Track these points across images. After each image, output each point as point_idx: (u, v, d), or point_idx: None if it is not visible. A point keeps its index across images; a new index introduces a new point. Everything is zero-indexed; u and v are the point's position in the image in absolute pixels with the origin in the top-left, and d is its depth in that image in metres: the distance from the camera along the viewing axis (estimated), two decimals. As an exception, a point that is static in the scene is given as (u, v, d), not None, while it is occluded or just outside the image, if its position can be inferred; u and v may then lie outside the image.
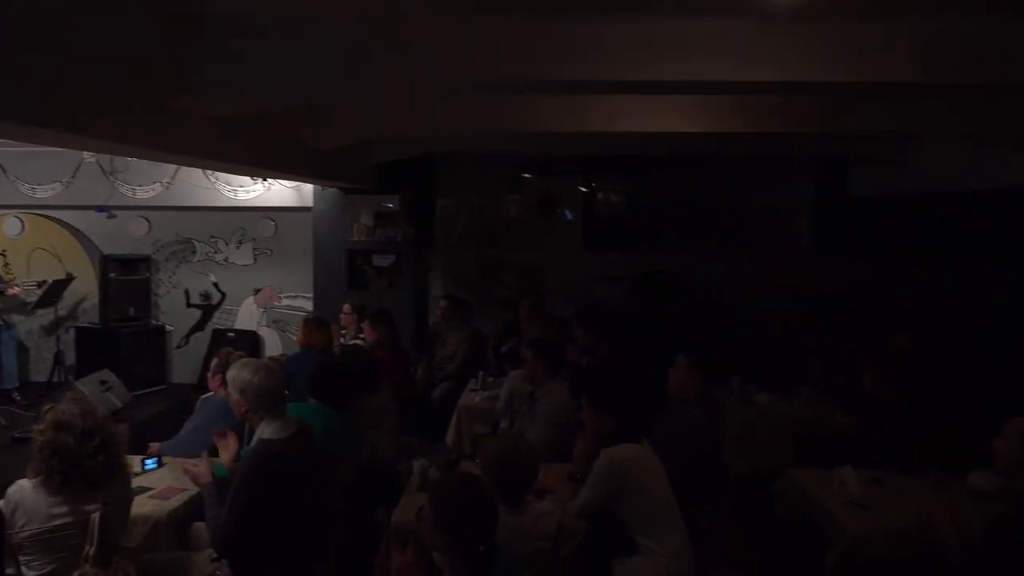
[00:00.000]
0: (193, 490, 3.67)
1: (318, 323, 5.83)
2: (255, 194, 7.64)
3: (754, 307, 7.17)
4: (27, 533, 2.79)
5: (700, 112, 5.13)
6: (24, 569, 2.79)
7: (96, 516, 2.84)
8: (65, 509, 2.84)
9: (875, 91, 4.24)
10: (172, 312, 8.23)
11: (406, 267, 8.00)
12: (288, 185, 7.62)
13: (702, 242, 8.26)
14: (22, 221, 8.00)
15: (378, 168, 7.59)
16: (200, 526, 3.54)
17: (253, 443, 3.20)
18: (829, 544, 3.39)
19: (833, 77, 3.41)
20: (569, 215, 8.67)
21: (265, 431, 3.17)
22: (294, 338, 6.14)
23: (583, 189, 8.64)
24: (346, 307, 6.88)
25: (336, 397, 4.08)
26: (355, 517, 4.17)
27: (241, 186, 7.59)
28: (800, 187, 8.27)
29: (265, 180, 7.46)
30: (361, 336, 6.55)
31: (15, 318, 7.75)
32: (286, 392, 3.34)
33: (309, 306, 7.98)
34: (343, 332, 6.88)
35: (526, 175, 8.59)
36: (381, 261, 7.99)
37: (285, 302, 8.25)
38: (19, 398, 6.68)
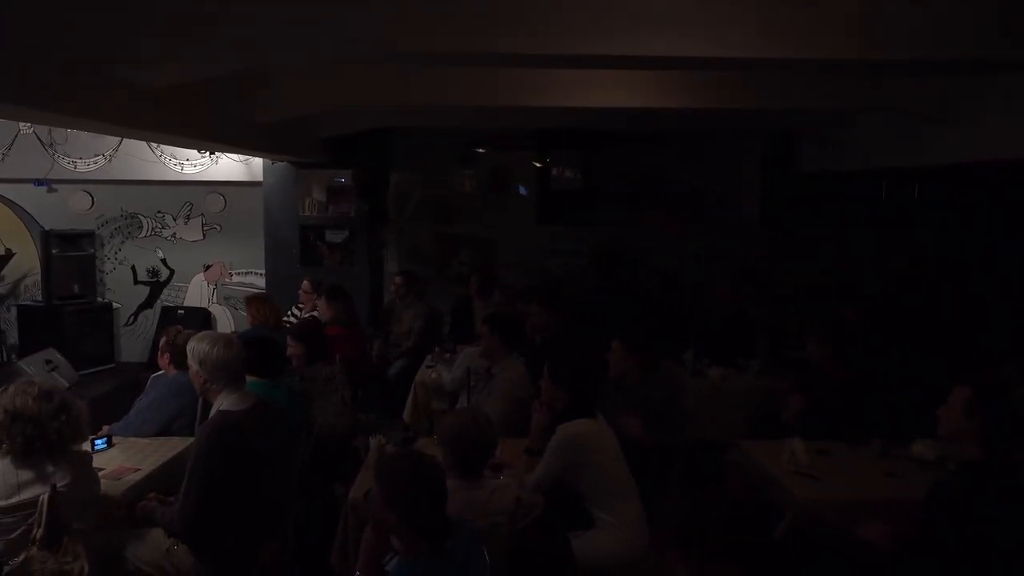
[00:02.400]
0: (146, 469, 3.62)
1: (263, 300, 5.85)
2: (202, 168, 7.48)
3: (706, 282, 7.27)
4: None
5: (652, 87, 5.17)
6: (-30, 553, 2.73)
7: (44, 497, 2.81)
8: (27, 485, 2.82)
9: (821, 67, 4.32)
10: (119, 289, 8.03)
11: (360, 243, 7.92)
12: (237, 159, 7.47)
13: (655, 217, 8.34)
14: (-44, 195, 7.69)
15: (329, 142, 7.47)
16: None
17: (212, 414, 3.19)
18: (779, 514, 3.49)
19: (779, 54, 3.46)
20: (523, 190, 8.66)
21: (223, 403, 3.18)
22: (245, 315, 6.05)
23: (536, 164, 8.63)
24: (305, 283, 6.78)
25: (267, 367, 4.03)
26: (312, 493, 4.16)
27: (187, 159, 7.41)
28: (749, 162, 8.39)
29: (212, 153, 7.29)
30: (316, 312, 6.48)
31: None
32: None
33: (261, 283, 7.86)
34: (300, 307, 6.79)
35: (479, 150, 8.54)
36: (334, 237, 7.90)
37: (236, 279, 8.11)
38: (-42, 379, 6.46)
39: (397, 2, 3.31)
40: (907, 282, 7.12)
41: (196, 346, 3.22)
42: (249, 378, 3.84)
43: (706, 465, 4.40)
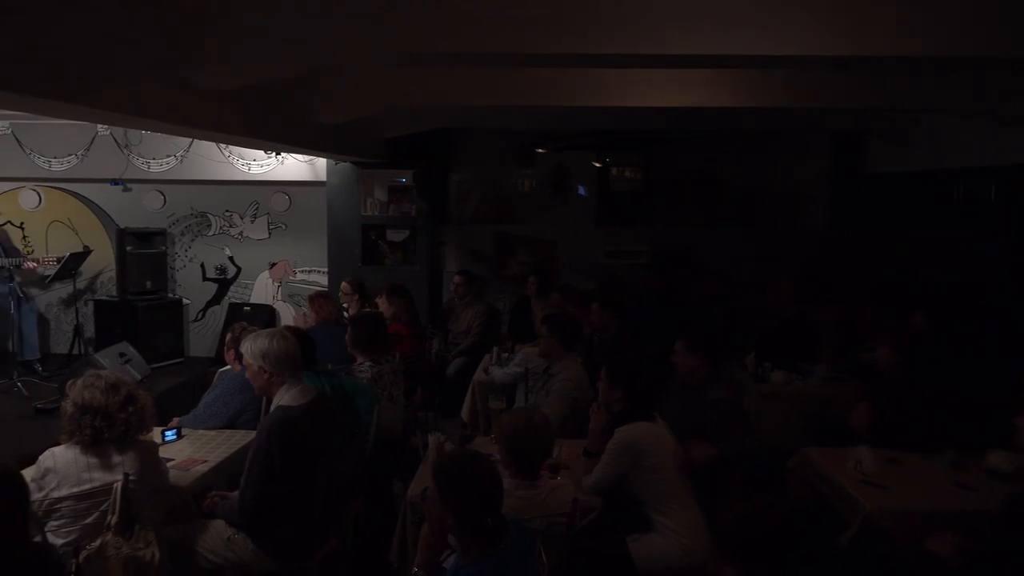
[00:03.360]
0: (213, 461, 3.73)
1: (325, 297, 5.97)
2: (269, 168, 7.66)
3: (768, 284, 7.13)
4: (59, 495, 2.87)
5: (713, 86, 5.09)
6: (50, 536, 2.85)
7: (118, 485, 2.92)
8: (96, 474, 2.93)
9: (888, 65, 4.18)
10: (189, 286, 8.28)
11: (420, 242, 8.01)
12: (302, 159, 7.63)
13: (716, 218, 8.22)
14: (39, 194, 8.04)
15: (391, 143, 7.58)
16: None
17: (272, 409, 3.27)
18: (842, 523, 3.40)
19: (843, 51, 3.36)
20: (582, 190, 8.62)
21: (283, 398, 3.25)
22: (306, 312, 6.19)
23: (596, 164, 8.58)
24: (344, 285, 6.85)
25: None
26: (371, 488, 4.22)
27: (255, 160, 7.60)
28: (815, 162, 8.20)
29: (278, 154, 7.46)
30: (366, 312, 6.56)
31: (34, 291, 7.83)
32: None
33: (324, 280, 8.02)
34: (346, 308, 6.89)
35: (540, 150, 8.54)
36: (395, 236, 8.00)
37: (300, 276, 8.28)
38: (40, 369, 6.76)
39: (458, 4, 3.34)
40: (981, 285, 6.85)
41: (254, 344, 3.28)
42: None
43: (768, 471, 4.31)
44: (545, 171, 8.57)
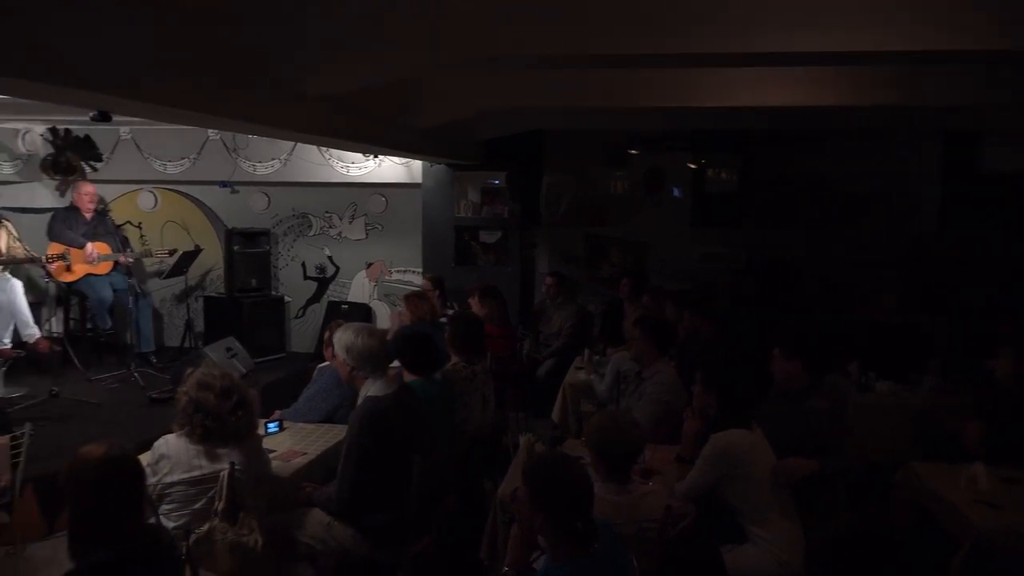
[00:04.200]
0: (312, 454, 3.87)
1: (420, 297, 6.05)
2: (367, 170, 7.87)
3: (873, 289, 6.84)
4: (171, 480, 3.04)
5: (814, 85, 4.91)
6: (163, 519, 3.01)
7: (225, 474, 3.06)
8: (204, 461, 3.08)
9: (1002, 59, 3.93)
10: (290, 284, 8.60)
11: (512, 243, 8.07)
12: (398, 161, 7.80)
13: (816, 220, 7.93)
14: (155, 195, 8.52)
15: (485, 145, 7.66)
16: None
17: (360, 401, 3.39)
18: (952, 543, 3.22)
19: (954, 45, 3.18)
20: (676, 192, 8.48)
21: (370, 389, 3.38)
22: (401, 310, 6.32)
23: (692, 165, 8.43)
24: (425, 282, 6.95)
25: (424, 365, 4.16)
26: (462, 487, 4.28)
27: (353, 162, 7.83)
28: (925, 162, 7.79)
29: (376, 157, 7.66)
30: (449, 311, 6.65)
31: (151, 286, 8.31)
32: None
33: (418, 280, 8.17)
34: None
35: (633, 151, 8.45)
36: (488, 237, 8.09)
37: (395, 276, 8.47)
38: (155, 361, 7.16)
39: (554, 6, 3.34)
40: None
41: (342, 336, 3.45)
42: (408, 377, 4.04)
43: (870, 485, 4.13)
44: (638, 172, 8.48)
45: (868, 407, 5.04)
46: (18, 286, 6.29)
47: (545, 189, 8.58)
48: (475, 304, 6.28)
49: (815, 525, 3.43)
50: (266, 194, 8.44)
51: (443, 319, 6.49)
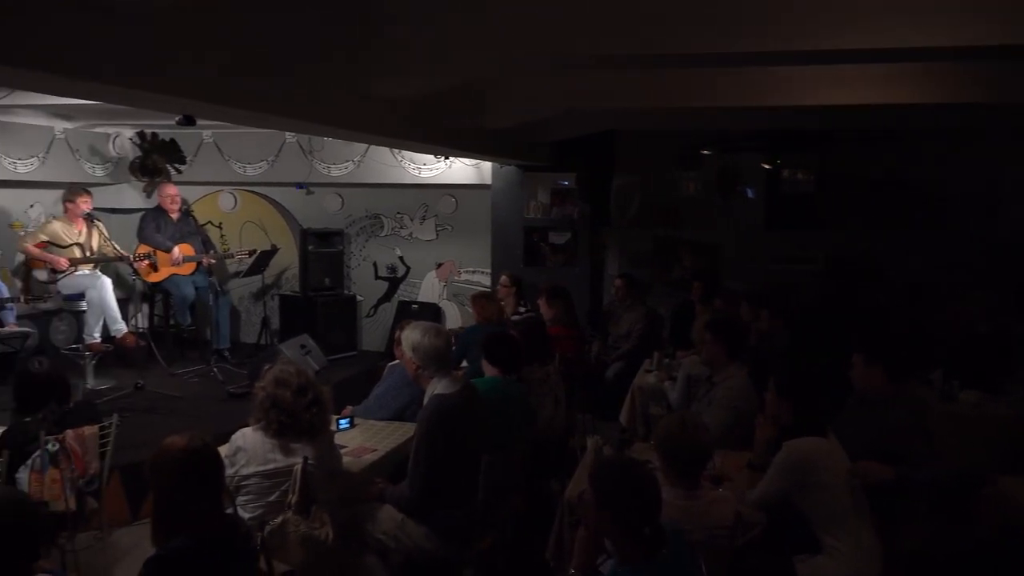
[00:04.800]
0: (382, 451, 3.93)
1: (487, 297, 6.12)
2: (437, 172, 7.96)
3: (959, 294, 6.54)
4: (247, 472, 3.14)
5: (897, 81, 4.73)
6: (240, 510, 3.11)
7: (298, 468, 3.14)
8: (279, 455, 3.17)
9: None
10: (362, 283, 8.76)
11: (581, 245, 8.04)
12: (468, 163, 7.87)
13: (899, 221, 7.63)
14: (235, 196, 8.80)
15: (554, 146, 7.65)
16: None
17: (427, 399, 3.43)
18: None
19: None
20: (750, 193, 8.31)
21: (437, 387, 3.43)
22: (471, 311, 6.38)
23: (766, 166, 8.24)
24: (503, 279, 6.96)
25: (508, 362, 4.20)
26: (529, 487, 4.28)
27: (424, 164, 7.93)
28: (1015, 161, 7.41)
29: (446, 158, 7.74)
30: (521, 309, 6.66)
31: (230, 285, 8.59)
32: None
33: (487, 281, 8.22)
34: (501, 303, 7.00)
35: (705, 152, 8.32)
36: (557, 238, 8.08)
37: (464, 276, 8.54)
38: (231, 357, 7.40)
39: (634, 6, 3.31)
40: None
41: (409, 335, 3.51)
42: (489, 372, 4.09)
43: (953, 498, 3.95)
44: (711, 173, 8.34)
45: (951, 417, 4.82)
46: (108, 283, 6.60)
47: (615, 190, 8.52)
48: (543, 305, 6.29)
49: (893, 538, 3.32)
50: (340, 195, 8.62)
51: (516, 316, 6.52)
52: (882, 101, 4.82)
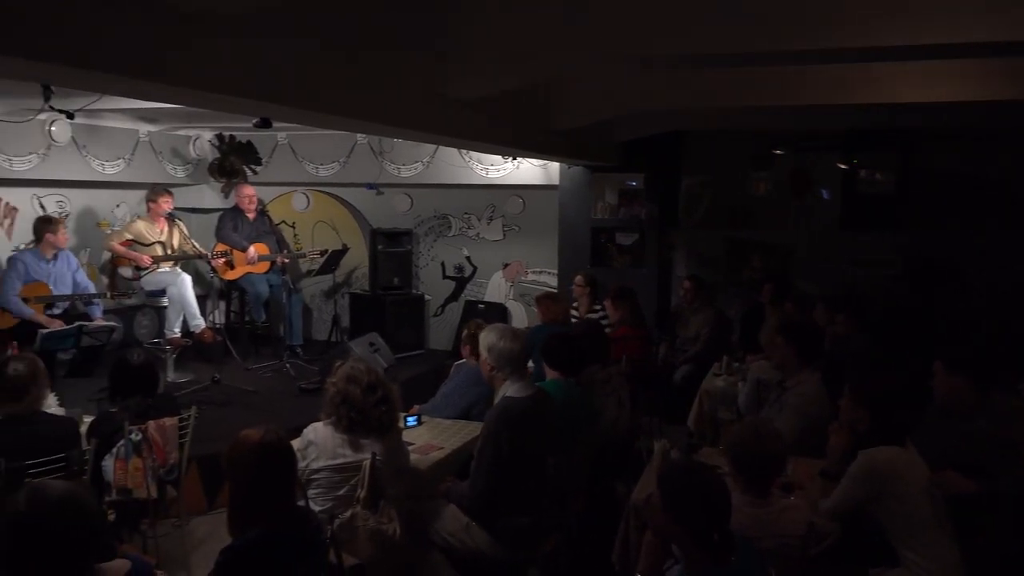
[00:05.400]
0: (448, 449, 3.97)
1: (552, 298, 6.12)
2: (505, 172, 7.99)
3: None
4: (317, 466, 3.21)
5: (983, 78, 4.53)
6: (311, 503, 3.19)
7: (367, 463, 3.20)
8: (348, 450, 3.24)
9: None
10: (430, 283, 8.86)
11: (649, 246, 7.95)
12: (536, 163, 7.88)
13: (984, 223, 7.30)
14: (308, 197, 9.02)
15: (623, 146, 7.59)
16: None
17: (497, 401, 3.44)
18: None
19: None
20: (825, 193, 8.08)
21: (508, 390, 3.44)
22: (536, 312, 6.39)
23: (842, 165, 8.00)
24: (579, 278, 6.93)
25: (569, 365, 4.17)
26: (594, 489, 4.26)
27: (492, 165, 7.97)
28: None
29: (514, 159, 7.76)
30: (596, 308, 6.63)
31: (302, 283, 8.81)
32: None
33: (553, 281, 8.22)
34: (575, 304, 6.98)
35: (778, 151, 8.12)
36: (624, 239, 8.01)
37: (531, 277, 8.56)
38: (302, 354, 7.59)
39: (701, 5, 3.26)
40: None
41: (486, 336, 3.53)
42: (550, 375, 4.09)
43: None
44: (783, 173, 8.14)
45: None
46: (187, 280, 6.85)
47: (683, 190, 8.41)
48: (609, 307, 6.25)
49: (975, 553, 3.18)
50: (409, 195, 8.74)
51: (591, 316, 6.50)
52: (966, 98, 4.63)
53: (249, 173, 8.34)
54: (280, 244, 7.60)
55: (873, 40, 3.16)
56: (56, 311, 6.05)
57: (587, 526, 4.00)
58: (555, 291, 7.49)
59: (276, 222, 8.14)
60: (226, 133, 8.11)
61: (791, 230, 8.02)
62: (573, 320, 6.44)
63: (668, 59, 3.89)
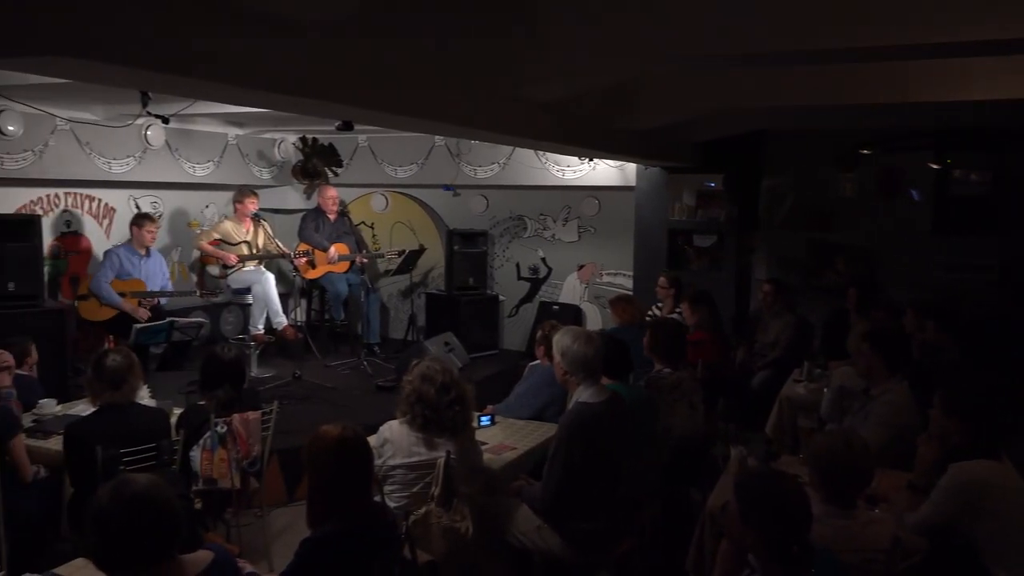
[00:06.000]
0: (521, 449, 3.98)
1: (627, 300, 6.09)
2: (581, 173, 7.96)
3: None
4: (393, 463, 3.28)
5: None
6: (386, 499, 3.25)
7: (441, 462, 3.24)
8: (423, 449, 3.29)
9: None
10: (504, 283, 8.91)
11: (727, 248, 7.78)
12: (612, 165, 7.82)
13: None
14: (386, 198, 9.19)
15: (701, 147, 7.46)
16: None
17: (570, 405, 3.43)
18: None
19: None
20: (915, 195, 7.75)
21: (582, 395, 3.41)
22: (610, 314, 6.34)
23: (934, 166, 7.66)
24: (662, 280, 6.84)
25: (611, 368, 4.06)
26: (668, 495, 4.20)
27: (568, 166, 7.95)
28: None
29: (591, 160, 7.73)
30: (678, 310, 6.53)
31: (380, 282, 8.99)
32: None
33: (629, 284, 8.14)
34: (659, 305, 6.89)
35: (864, 151, 7.83)
36: (702, 241, 7.87)
37: (606, 279, 8.50)
38: (379, 352, 7.74)
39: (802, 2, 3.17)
40: None
41: (560, 339, 3.49)
42: (606, 381, 4.02)
43: None
44: (870, 174, 7.85)
45: None
46: (271, 278, 7.08)
47: (764, 191, 8.20)
48: (686, 310, 6.15)
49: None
50: (485, 197, 8.81)
51: (672, 316, 6.42)
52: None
53: (330, 175, 8.56)
54: (359, 244, 7.77)
55: (963, 35, 3.01)
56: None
57: (661, 532, 3.95)
58: (630, 293, 7.42)
59: (356, 223, 8.33)
60: (309, 136, 8.34)
61: (878, 233, 7.73)
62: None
63: (756, 58, 3.79)
